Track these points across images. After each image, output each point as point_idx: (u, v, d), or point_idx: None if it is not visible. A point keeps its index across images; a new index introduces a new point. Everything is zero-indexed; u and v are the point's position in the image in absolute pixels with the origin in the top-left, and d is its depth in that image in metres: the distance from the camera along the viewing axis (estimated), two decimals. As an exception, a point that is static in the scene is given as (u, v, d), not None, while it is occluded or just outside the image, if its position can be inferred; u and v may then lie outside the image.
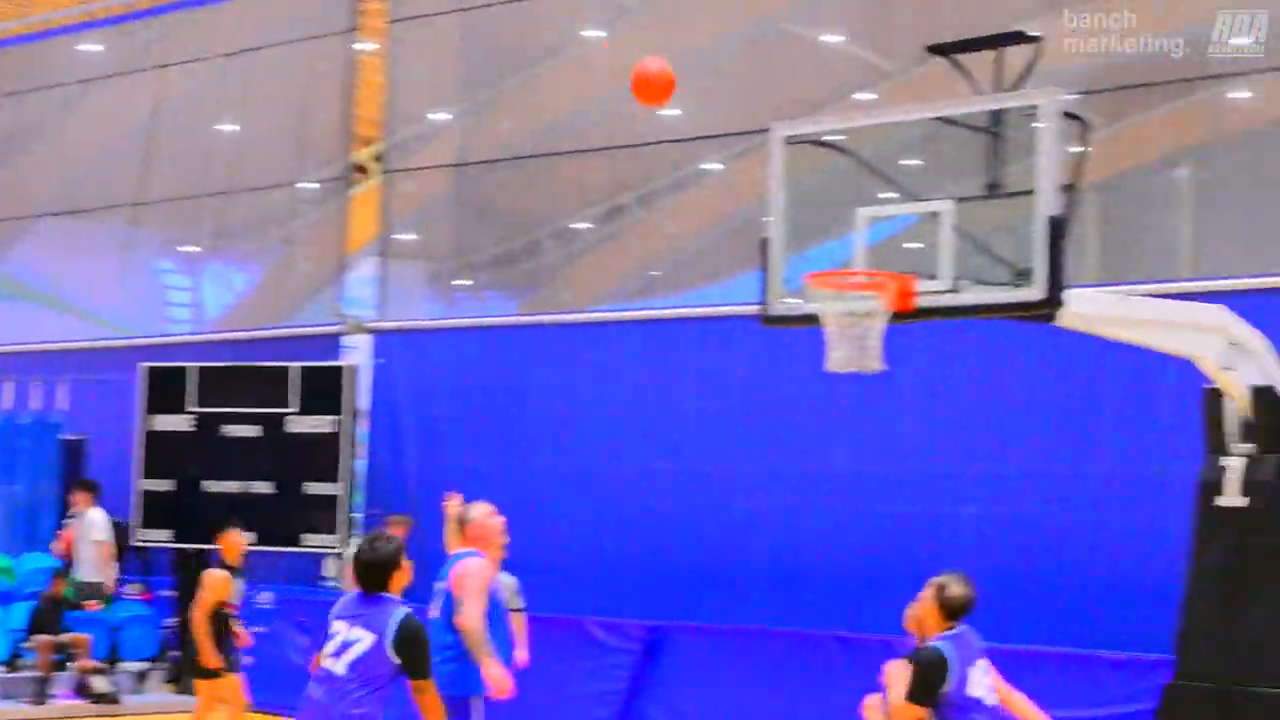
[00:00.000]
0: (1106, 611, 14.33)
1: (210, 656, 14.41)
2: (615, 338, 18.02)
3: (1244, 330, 11.49)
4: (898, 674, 9.14)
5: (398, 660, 8.41)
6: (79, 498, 19.77)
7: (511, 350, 18.72)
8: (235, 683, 14.78)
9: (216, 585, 14.57)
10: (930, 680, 8.80)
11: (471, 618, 10.46)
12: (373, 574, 8.59)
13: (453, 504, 12.90)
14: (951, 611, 9.03)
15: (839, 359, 10.57)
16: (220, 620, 14.56)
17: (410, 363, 19.47)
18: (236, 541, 15.03)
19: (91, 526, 19.51)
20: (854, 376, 15.36)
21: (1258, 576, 11.69)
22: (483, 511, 10.91)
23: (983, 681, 8.98)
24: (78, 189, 24.00)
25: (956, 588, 9.03)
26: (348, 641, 8.50)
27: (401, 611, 8.50)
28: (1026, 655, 13.07)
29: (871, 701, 9.28)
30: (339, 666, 8.47)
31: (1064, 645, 13.83)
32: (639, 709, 15.42)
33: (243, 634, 15.02)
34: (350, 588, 17.76)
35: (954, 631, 8.99)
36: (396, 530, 14.04)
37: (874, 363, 10.48)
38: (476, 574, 10.66)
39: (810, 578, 15.91)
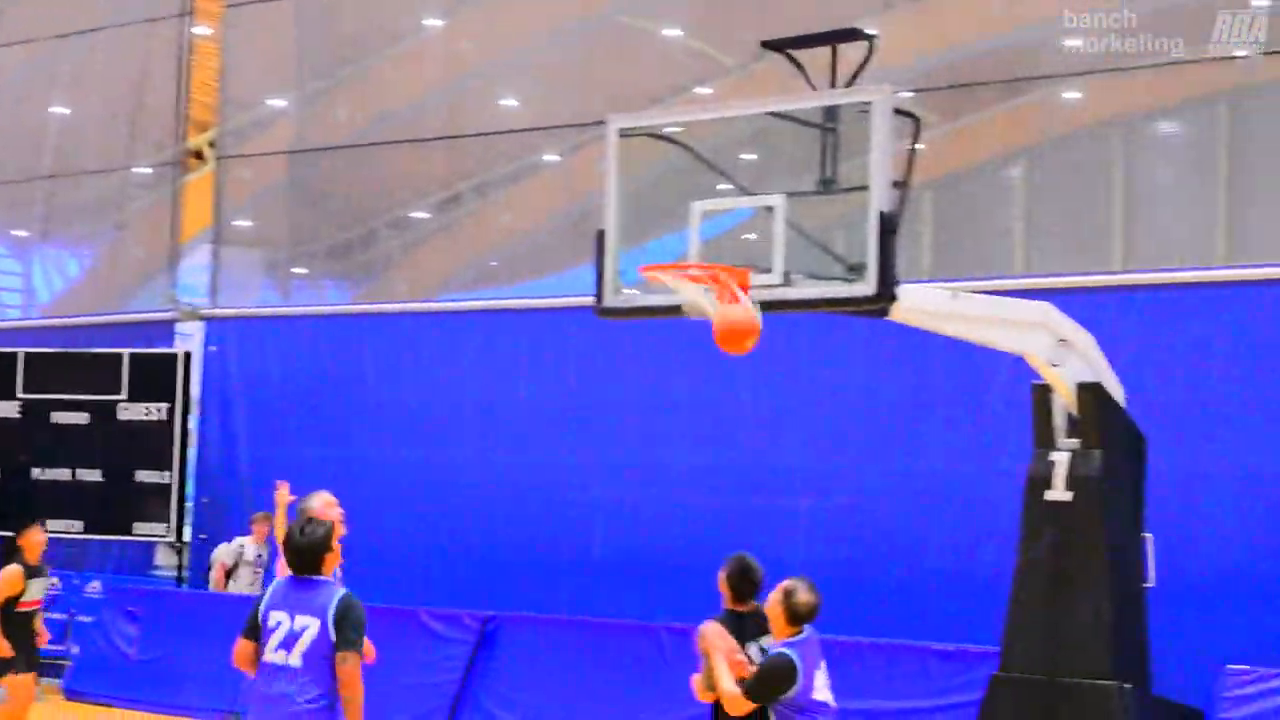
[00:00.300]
0: (935, 603, 14.50)
1: (2, 647, 14.20)
2: (451, 328, 17.98)
3: (1069, 327, 11.66)
4: (715, 636, 9.16)
5: (334, 635, 8.52)
6: None
7: (346, 339, 18.62)
8: (27, 682, 14.51)
9: (8, 580, 14.33)
10: (774, 685, 8.90)
11: None
12: (306, 558, 8.73)
13: (282, 493, 12.81)
14: (798, 618, 9.13)
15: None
16: (18, 619, 14.30)
17: (244, 351, 19.32)
18: (37, 540, 14.69)
19: None
20: (688, 370, 15.52)
21: (1081, 570, 11.86)
22: (321, 502, 10.82)
23: (826, 685, 9.08)
24: (-95, 171, 23.58)
25: (804, 595, 9.13)
26: (295, 632, 8.58)
27: (340, 591, 8.67)
28: (856, 646, 13.21)
29: (696, 679, 9.32)
30: (293, 658, 8.55)
31: (893, 636, 13.96)
32: (473, 699, 15.39)
33: (43, 633, 14.76)
34: (217, 585, 17.61)
35: (800, 637, 9.09)
36: (260, 528, 13.87)
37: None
38: None
39: (645, 568, 15.97)
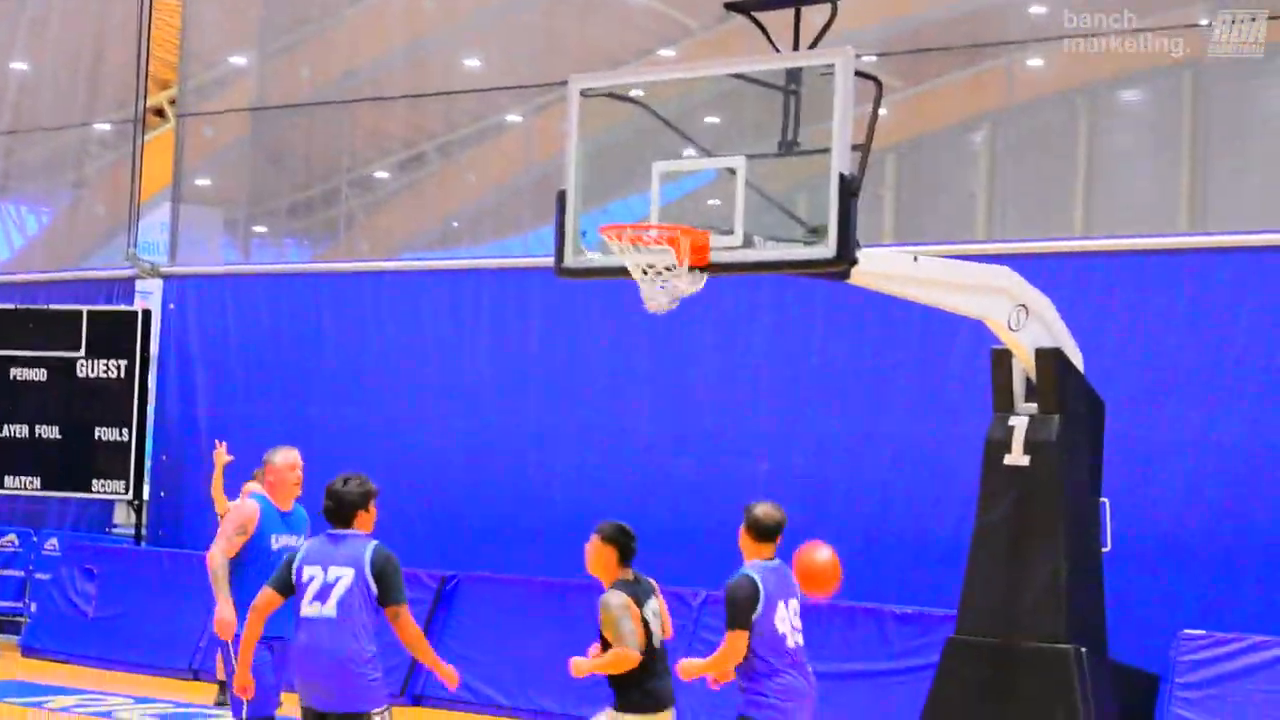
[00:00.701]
0: (893, 566, 14.54)
1: None
2: (413, 287, 17.94)
3: (1029, 292, 11.69)
4: (618, 607, 9.10)
5: (376, 589, 8.73)
6: None
7: (307, 298, 18.56)
8: None
9: None
10: (742, 606, 8.92)
11: (212, 555, 10.63)
12: (339, 510, 8.94)
13: (219, 453, 12.77)
14: (761, 531, 9.15)
15: (656, 302, 10.58)
16: None
17: (204, 309, 19.25)
18: None
19: None
20: (650, 331, 15.52)
21: (1038, 534, 11.91)
22: (282, 461, 10.82)
23: (789, 620, 9.07)
24: None
25: (764, 507, 9.20)
26: (329, 583, 8.76)
27: (372, 543, 8.88)
28: (814, 608, 13.20)
29: (579, 662, 9.23)
30: (328, 609, 8.74)
31: (851, 599, 14.00)
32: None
33: None
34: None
35: (769, 563, 9.11)
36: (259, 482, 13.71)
37: (664, 304, 10.53)
38: (235, 515, 10.78)
39: (602, 530, 15.97)
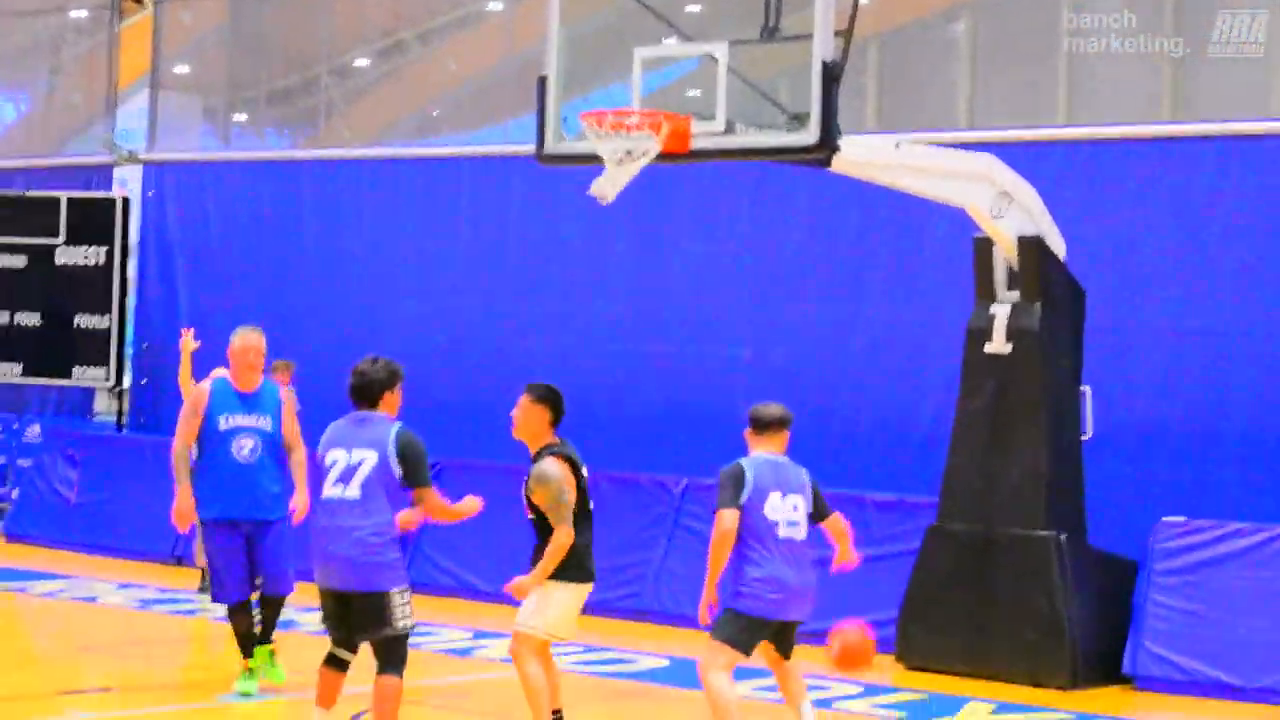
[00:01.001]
0: (875, 454, 14.57)
1: None
2: (392, 175, 17.88)
3: (1012, 179, 11.67)
4: (559, 479, 9.07)
5: (400, 471, 8.56)
6: None
7: (287, 186, 18.50)
8: None
9: None
10: (725, 486, 8.95)
11: (174, 444, 10.67)
12: (364, 391, 8.74)
13: (186, 340, 12.73)
14: (755, 423, 9.22)
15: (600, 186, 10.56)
16: None
17: (183, 196, 19.18)
18: None
19: None
20: (630, 219, 15.49)
21: (1019, 422, 11.96)
22: (239, 345, 10.73)
23: (783, 510, 9.04)
24: None
25: (762, 405, 9.24)
26: (352, 465, 8.60)
27: (397, 425, 8.68)
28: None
29: (523, 582, 9.19)
30: (351, 490, 8.58)
31: (833, 486, 14.03)
32: (415, 545, 15.43)
33: None
34: None
35: (770, 456, 9.12)
36: (281, 375, 13.61)
37: (609, 194, 10.49)
38: (188, 400, 10.82)
39: (583, 417, 15.94)
